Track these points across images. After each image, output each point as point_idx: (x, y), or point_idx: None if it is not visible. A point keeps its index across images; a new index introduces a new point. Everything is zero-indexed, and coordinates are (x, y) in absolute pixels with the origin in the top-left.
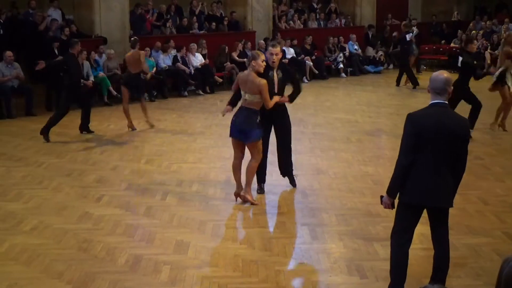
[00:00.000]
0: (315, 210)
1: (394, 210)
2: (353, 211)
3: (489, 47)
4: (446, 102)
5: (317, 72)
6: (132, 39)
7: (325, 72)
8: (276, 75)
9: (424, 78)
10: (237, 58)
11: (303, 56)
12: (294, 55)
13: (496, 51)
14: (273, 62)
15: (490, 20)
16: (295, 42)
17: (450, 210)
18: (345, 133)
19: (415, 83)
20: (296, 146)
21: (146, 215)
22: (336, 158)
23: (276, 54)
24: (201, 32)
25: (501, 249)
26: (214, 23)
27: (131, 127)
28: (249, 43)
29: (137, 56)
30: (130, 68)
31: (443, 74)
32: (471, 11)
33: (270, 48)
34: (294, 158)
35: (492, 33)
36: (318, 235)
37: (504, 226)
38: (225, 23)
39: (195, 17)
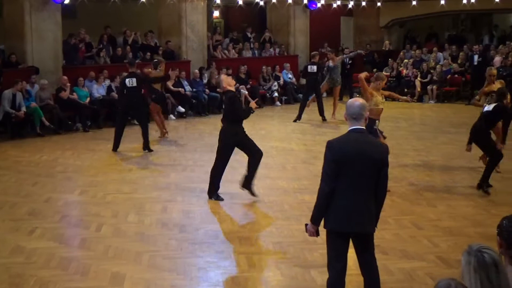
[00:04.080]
0: (252, 238)
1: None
2: (289, 238)
3: (418, 75)
4: (364, 127)
5: (252, 101)
6: (154, 60)
7: (260, 101)
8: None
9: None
10: (172, 88)
11: (237, 85)
12: None
13: (425, 79)
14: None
15: (419, 49)
16: (230, 71)
17: (385, 235)
18: (281, 161)
19: (298, 116)
20: (230, 175)
21: (80, 247)
22: (272, 186)
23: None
24: (136, 61)
25: (434, 273)
26: (148, 53)
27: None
28: (184, 72)
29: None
30: (156, 86)
31: (358, 100)
32: (401, 40)
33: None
34: (229, 188)
35: (421, 62)
36: (255, 263)
37: (437, 250)
38: (160, 52)
39: (128, 47)
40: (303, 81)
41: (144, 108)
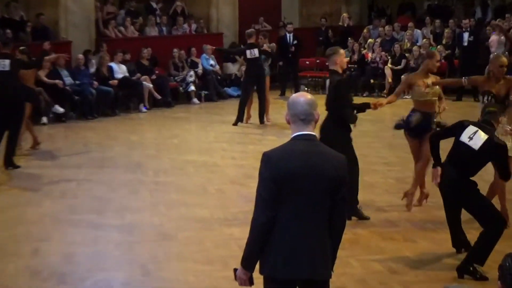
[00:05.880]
0: None
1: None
2: None
3: (389, 61)
4: (313, 133)
5: (159, 97)
6: None
7: (171, 97)
8: None
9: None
10: (45, 79)
11: (139, 75)
12: (127, 74)
13: (398, 66)
14: None
15: (389, 25)
16: (128, 56)
17: (346, 282)
18: (201, 182)
19: (238, 119)
20: (132, 201)
21: None
22: (189, 217)
23: None
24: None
25: None
26: (9, 30)
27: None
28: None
29: None
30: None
31: (305, 95)
32: (364, 13)
33: None
34: (129, 217)
35: (392, 42)
36: None
37: None
38: (28, 29)
39: None
40: (231, 68)
41: (21, 104)
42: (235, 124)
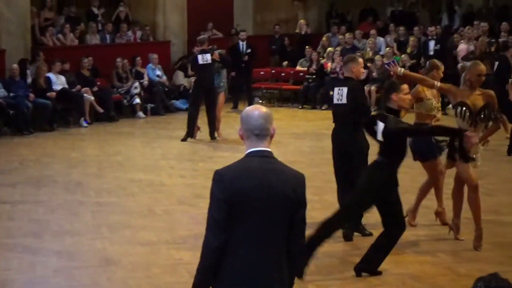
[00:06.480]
0: None
1: None
2: None
3: None
4: (269, 149)
5: (101, 111)
6: None
7: (114, 110)
8: None
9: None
10: None
11: (79, 87)
12: (66, 86)
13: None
14: None
15: (350, 32)
16: (67, 66)
17: None
18: (147, 202)
19: (188, 134)
20: (72, 223)
21: None
22: (134, 240)
23: None
24: None
25: None
26: None
27: None
28: None
29: None
30: None
31: (260, 108)
32: (323, 19)
33: None
34: (70, 240)
35: (353, 51)
36: None
37: None
38: None
39: None
40: (181, 78)
41: None
42: (184, 139)
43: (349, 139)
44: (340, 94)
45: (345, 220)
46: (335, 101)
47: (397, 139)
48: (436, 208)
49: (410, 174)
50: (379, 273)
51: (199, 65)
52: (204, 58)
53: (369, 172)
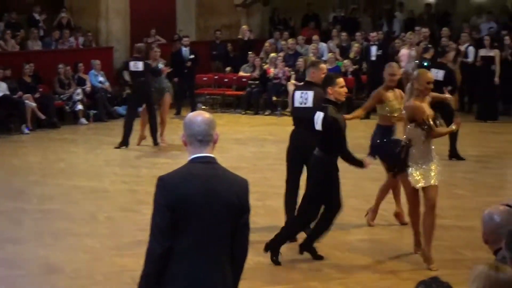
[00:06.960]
0: None
1: None
2: None
3: (292, 76)
4: (212, 155)
5: (43, 117)
6: None
7: (56, 117)
8: None
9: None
10: None
11: (20, 93)
12: (7, 93)
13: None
14: None
15: (293, 38)
16: (9, 72)
17: None
18: (89, 209)
19: (123, 143)
20: (14, 231)
21: None
22: (77, 247)
23: None
24: None
25: None
26: None
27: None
28: None
29: None
30: None
31: (203, 114)
32: (266, 24)
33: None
34: (12, 248)
35: (296, 56)
36: None
37: None
38: None
39: None
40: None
41: None
42: (118, 147)
43: (310, 143)
44: (304, 98)
45: (305, 221)
46: (296, 105)
47: (335, 127)
48: (395, 209)
49: (353, 179)
50: (321, 257)
51: (130, 72)
52: (136, 65)
53: (311, 168)
